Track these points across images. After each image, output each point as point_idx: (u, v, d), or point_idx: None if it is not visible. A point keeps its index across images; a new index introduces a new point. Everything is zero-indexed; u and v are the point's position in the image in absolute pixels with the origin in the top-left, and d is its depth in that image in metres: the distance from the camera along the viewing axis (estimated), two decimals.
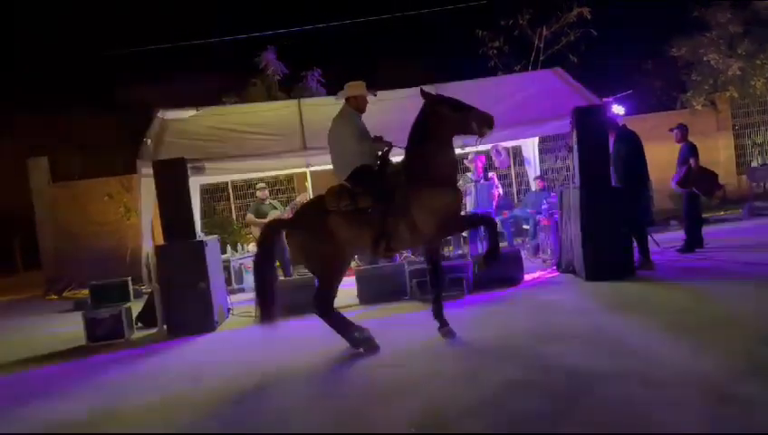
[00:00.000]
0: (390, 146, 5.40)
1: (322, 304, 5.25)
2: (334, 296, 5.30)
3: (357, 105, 5.52)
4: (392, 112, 7.41)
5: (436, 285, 5.49)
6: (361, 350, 5.18)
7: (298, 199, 9.53)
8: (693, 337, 4.56)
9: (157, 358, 6.02)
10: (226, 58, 17.30)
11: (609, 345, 4.60)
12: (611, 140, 7.32)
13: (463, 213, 5.67)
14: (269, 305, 5.18)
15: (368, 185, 5.18)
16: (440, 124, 5.11)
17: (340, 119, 5.52)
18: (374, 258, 7.57)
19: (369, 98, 5.62)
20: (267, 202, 9.63)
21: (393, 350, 5.16)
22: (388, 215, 5.07)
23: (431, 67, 16.93)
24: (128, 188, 12.84)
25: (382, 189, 5.13)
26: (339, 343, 5.39)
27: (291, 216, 9.24)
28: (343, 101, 5.61)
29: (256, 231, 9.30)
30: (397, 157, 5.41)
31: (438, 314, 5.41)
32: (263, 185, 9.82)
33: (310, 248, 5.25)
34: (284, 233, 5.48)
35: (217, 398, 4.52)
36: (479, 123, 5.00)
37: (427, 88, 5.51)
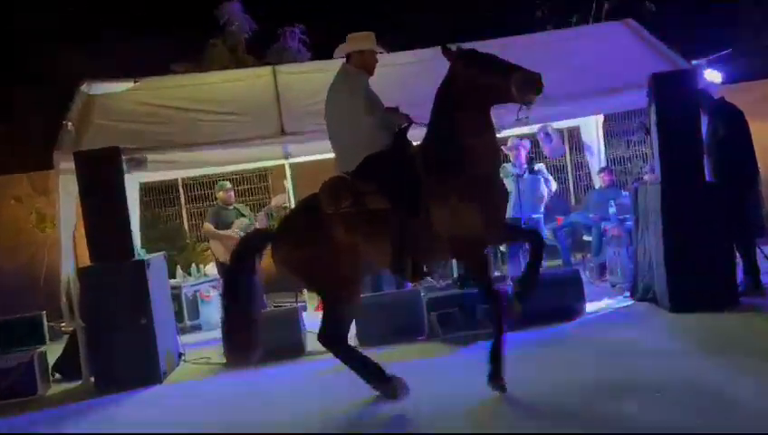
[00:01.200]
0: (410, 121, 5.42)
1: (332, 333, 5.34)
2: (348, 323, 5.43)
3: (363, 64, 5.51)
4: (403, 81, 7.41)
5: (495, 319, 5.23)
6: (388, 395, 5.23)
7: (274, 202, 9.55)
8: None
9: (81, 422, 5.99)
10: (175, 11, 17.39)
11: (703, 402, 4.54)
12: (704, 118, 7.29)
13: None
14: (243, 338, 5.26)
15: (381, 180, 5.18)
16: (470, 92, 5.05)
17: (340, 83, 5.52)
18: (401, 281, 7.59)
19: (379, 58, 5.64)
20: (232, 207, 9.64)
21: (407, 411, 5.13)
22: (413, 220, 5.05)
23: (455, 21, 16.95)
24: (41, 189, 12.81)
25: (402, 184, 5.12)
26: (331, 400, 5.37)
27: (262, 224, 9.34)
28: (343, 59, 5.61)
29: (217, 247, 9.32)
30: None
31: (495, 359, 5.16)
32: (226, 184, 9.83)
33: (308, 265, 5.31)
34: (272, 247, 5.51)
35: None
36: (521, 87, 4.86)
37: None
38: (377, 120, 5.32)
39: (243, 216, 9.49)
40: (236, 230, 9.09)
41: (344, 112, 5.40)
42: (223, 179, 10.24)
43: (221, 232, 9.30)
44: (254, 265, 5.49)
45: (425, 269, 5.34)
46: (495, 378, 5.11)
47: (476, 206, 5.04)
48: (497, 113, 5.33)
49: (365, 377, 5.32)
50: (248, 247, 5.53)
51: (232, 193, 9.82)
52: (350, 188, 5.22)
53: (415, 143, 5.51)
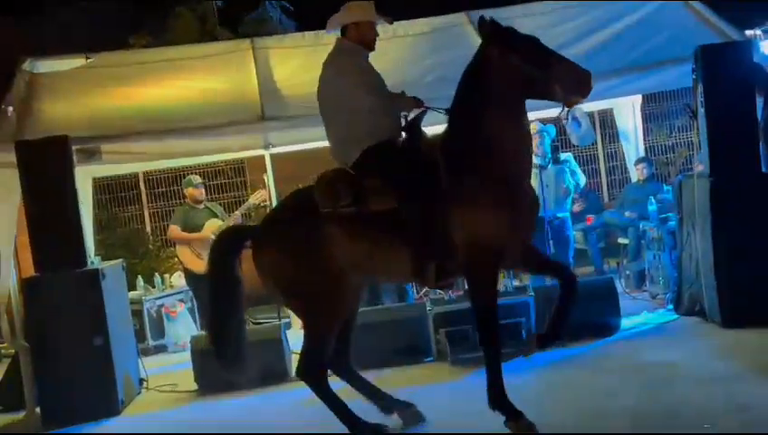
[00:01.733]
0: (424, 108, 5.43)
1: (311, 366, 5.30)
2: (328, 353, 5.32)
3: (361, 38, 5.50)
4: (410, 57, 7.44)
5: (486, 349, 5.19)
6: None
7: (252, 200, 9.54)
8: None
9: None
10: None
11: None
12: (760, 98, 7.31)
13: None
14: (229, 342, 5.32)
15: (390, 175, 5.17)
16: (505, 81, 5.03)
17: (334, 61, 5.51)
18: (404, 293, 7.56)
19: (381, 29, 5.65)
20: (203, 206, 9.63)
21: None
22: (432, 220, 5.03)
23: None
24: None
25: (418, 180, 5.10)
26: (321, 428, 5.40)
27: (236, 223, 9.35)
28: (338, 33, 5.62)
29: (185, 253, 9.31)
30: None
31: (494, 397, 5.10)
32: (195, 179, 9.83)
33: (290, 275, 5.27)
34: (252, 247, 5.48)
35: None
36: (567, 85, 4.91)
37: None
38: (379, 103, 5.33)
39: (214, 216, 9.45)
40: (208, 233, 9.08)
41: (341, 95, 5.38)
42: (192, 173, 10.23)
43: (190, 235, 9.28)
44: (234, 267, 5.44)
45: (449, 273, 5.28)
46: (515, 420, 5.00)
47: (501, 213, 5.01)
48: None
49: (346, 421, 5.29)
50: (225, 246, 5.52)
51: (202, 189, 9.81)
52: (352, 184, 5.20)
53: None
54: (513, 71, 4.99)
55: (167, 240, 13.29)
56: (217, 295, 5.43)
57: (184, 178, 10.44)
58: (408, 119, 5.42)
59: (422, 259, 5.08)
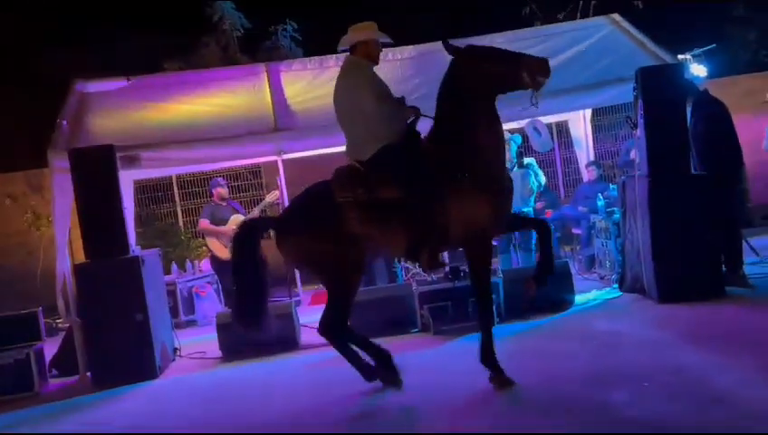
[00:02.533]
0: (418, 114, 5.46)
1: (333, 324, 5.37)
2: (347, 314, 5.42)
3: (367, 53, 5.51)
4: (400, 76, 7.45)
5: (481, 315, 5.34)
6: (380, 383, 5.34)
7: (268, 199, 9.53)
8: None
9: (79, 417, 6.00)
10: (168, 10, 17.32)
11: (690, 393, 4.57)
12: (689, 111, 7.31)
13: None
14: (251, 308, 5.36)
15: (395, 170, 5.20)
16: (477, 83, 5.11)
17: (348, 73, 5.51)
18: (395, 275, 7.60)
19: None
20: (226, 203, 9.63)
21: (400, 402, 5.15)
22: (431, 207, 5.08)
23: (441, 18, 16.92)
24: (37, 187, 12.83)
25: (417, 175, 5.15)
26: (326, 392, 5.45)
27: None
28: (342, 54, 5.67)
29: (214, 243, 9.32)
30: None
31: (489, 358, 5.21)
32: (221, 180, 9.81)
33: (314, 253, 5.31)
34: (275, 234, 5.50)
35: None
36: (531, 71, 4.98)
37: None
38: (388, 110, 5.35)
39: (237, 213, 9.48)
40: (233, 227, 9.05)
41: (355, 102, 5.37)
42: (217, 176, 10.21)
43: (217, 228, 9.29)
44: (257, 248, 5.47)
45: (439, 258, 5.40)
46: (498, 376, 5.14)
47: (487, 196, 5.11)
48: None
49: (377, 362, 5.43)
50: (249, 231, 5.53)
51: (227, 190, 9.81)
52: (364, 178, 5.25)
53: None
54: (485, 70, 5.08)
55: (196, 232, 13.31)
56: (241, 275, 5.42)
57: (210, 180, 10.43)
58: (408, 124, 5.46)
59: (419, 245, 5.16)
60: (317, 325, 5.50)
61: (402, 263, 9.15)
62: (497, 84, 5.14)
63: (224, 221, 9.30)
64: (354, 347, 5.48)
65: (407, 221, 5.14)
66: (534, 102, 5.13)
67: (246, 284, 5.40)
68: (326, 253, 5.25)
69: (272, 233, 5.68)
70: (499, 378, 5.13)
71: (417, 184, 5.12)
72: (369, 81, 5.39)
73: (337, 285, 5.40)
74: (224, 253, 9.04)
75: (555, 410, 4.58)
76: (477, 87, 5.12)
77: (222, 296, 10.09)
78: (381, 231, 5.23)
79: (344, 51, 5.64)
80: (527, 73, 4.98)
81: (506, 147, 9.09)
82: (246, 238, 5.47)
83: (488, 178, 5.15)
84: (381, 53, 5.70)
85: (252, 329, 5.50)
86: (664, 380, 4.85)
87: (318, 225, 5.28)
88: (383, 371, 5.42)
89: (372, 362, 5.47)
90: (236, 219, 9.16)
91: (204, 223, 9.49)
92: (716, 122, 7.42)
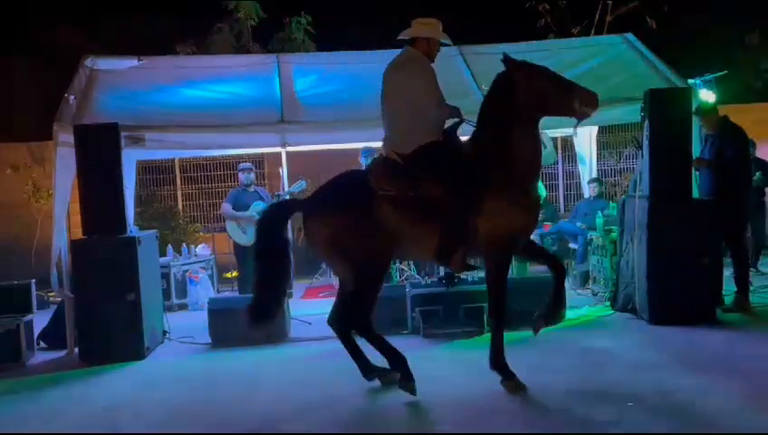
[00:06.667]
0: (461, 117, 5.45)
1: (361, 317, 5.27)
2: (372, 308, 5.34)
3: (428, 51, 5.50)
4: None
5: (493, 319, 5.44)
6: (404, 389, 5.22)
7: (294, 187, 9.35)
8: None
9: (62, 391, 6.00)
10: None
11: (674, 415, 4.59)
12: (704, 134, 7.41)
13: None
14: (271, 298, 5.30)
15: (439, 169, 5.18)
16: (532, 102, 5.18)
17: (406, 65, 5.46)
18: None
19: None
20: (252, 189, 9.54)
21: (383, 399, 5.14)
22: (468, 208, 5.09)
23: (458, 25, 16.90)
24: (39, 159, 12.82)
25: (461, 176, 5.15)
26: (312, 382, 5.43)
27: None
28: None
29: (234, 229, 9.23)
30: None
31: (495, 360, 5.31)
32: (247, 165, 9.73)
33: (345, 241, 5.20)
34: (306, 217, 5.43)
35: None
36: (583, 103, 5.14)
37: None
38: (437, 110, 5.37)
39: (261, 199, 9.37)
40: (253, 213, 8.98)
41: (410, 96, 5.33)
42: (243, 161, 10.14)
43: (238, 213, 9.22)
44: (283, 232, 5.42)
45: (470, 261, 5.41)
46: (510, 380, 5.25)
47: (517, 207, 5.18)
48: None
49: (392, 365, 5.33)
50: (275, 215, 5.48)
51: (253, 175, 9.71)
52: (405, 172, 5.21)
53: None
54: (538, 92, 5.17)
55: (194, 216, 13.33)
56: (264, 260, 5.36)
57: (212, 166, 10.40)
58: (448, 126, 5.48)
59: (454, 245, 5.15)
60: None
61: (397, 263, 9.14)
62: (548, 105, 5.25)
63: (246, 207, 9.22)
64: (360, 341, 5.43)
65: (443, 220, 5.11)
66: (575, 132, 5.17)
67: (268, 270, 5.34)
68: (357, 241, 5.15)
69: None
70: (511, 382, 5.23)
71: (459, 183, 5.12)
72: (428, 77, 5.38)
73: (361, 277, 5.27)
74: (241, 238, 9.04)
75: (539, 423, 4.60)
76: (528, 103, 5.19)
77: (216, 283, 10.10)
78: (416, 228, 5.18)
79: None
80: (578, 102, 5.13)
81: None
82: (272, 222, 5.41)
83: (520, 189, 5.22)
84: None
85: (265, 321, 5.38)
86: (650, 401, 4.86)
87: (353, 212, 5.19)
88: (398, 375, 5.29)
89: (387, 365, 5.40)
90: (258, 206, 9.08)
91: (226, 207, 9.42)
92: (743, 150, 7.50)
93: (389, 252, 5.34)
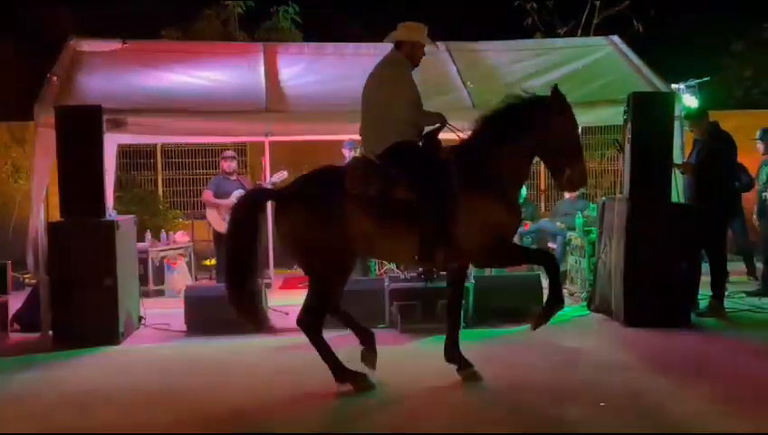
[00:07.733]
0: (444, 123, 5.43)
1: (315, 318, 5.20)
2: (327, 310, 5.32)
3: (412, 55, 5.49)
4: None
5: (451, 314, 5.58)
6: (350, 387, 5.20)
7: (274, 178, 9.33)
8: (753, 416, 4.61)
9: (34, 374, 5.97)
10: None
11: (644, 415, 4.63)
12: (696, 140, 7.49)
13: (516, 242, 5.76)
14: (241, 279, 5.22)
15: (413, 171, 5.16)
16: (545, 141, 5.21)
17: (388, 67, 5.48)
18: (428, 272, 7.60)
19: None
20: (234, 177, 9.50)
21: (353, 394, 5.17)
22: (445, 214, 5.07)
23: (445, 22, 16.87)
24: (19, 139, 12.67)
25: (437, 179, 5.13)
26: (286, 372, 5.44)
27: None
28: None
29: (213, 216, 9.21)
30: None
31: (451, 352, 5.45)
32: (231, 153, 9.68)
33: (311, 237, 5.14)
34: (276, 207, 5.39)
35: None
36: (576, 176, 5.20)
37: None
38: (413, 116, 5.35)
39: (242, 187, 9.33)
40: (232, 200, 8.93)
41: (385, 96, 5.35)
42: (227, 149, 10.09)
43: (219, 201, 9.18)
44: (255, 218, 5.31)
45: (448, 263, 5.46)
46: (465, 368, 5.39)
47: (498, 214, 5.18)
48: None
49: (332, 365, 5.23)
50: (250, 200, 5.44)
51: (235, 163, 9.67)
52: (380, 174, 5.18)
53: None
54: (558, 136, 5.19)
55: (174, 202, 13.26)
56: (234, 241, 5.30)
57: (194, 153, 10.34)
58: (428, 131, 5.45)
59: (433, 244, 5.12)
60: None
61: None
62: (553, 153, 5.26)
63: (227, 195, 9.18)
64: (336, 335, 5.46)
65: (420, 222, 5.06)
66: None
67: (238, 252, 5.27)
68: (324, 240, 5.09)
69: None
70: (466, 371, 5.37)
71: (437, 189, 5.09)
72: (407, 82, 5.38)
73: (328, 278, 5.24)
74: (221, 226, 8.98)
75: (510, 419, 4.64)
76: (542, 137, 5.20)
77: (194, 270, 10.06)
78: (389, 229, 5.12)
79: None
80: (573, 173, 5.18)
81: None
82: (246, 207, 5.35)
83: (502, 198, 5.22)
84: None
85: (240, 302, 5.28)
86: (621, 402, 4.90)
87: (325, 209, 5.12)
88: (365, 349, 5.42)
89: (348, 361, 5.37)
90: (239, 194, 9.04)
91: (207, 194, 9.38)
92: (729, 156, 7.56)
93: (353, 253, 5.28)
